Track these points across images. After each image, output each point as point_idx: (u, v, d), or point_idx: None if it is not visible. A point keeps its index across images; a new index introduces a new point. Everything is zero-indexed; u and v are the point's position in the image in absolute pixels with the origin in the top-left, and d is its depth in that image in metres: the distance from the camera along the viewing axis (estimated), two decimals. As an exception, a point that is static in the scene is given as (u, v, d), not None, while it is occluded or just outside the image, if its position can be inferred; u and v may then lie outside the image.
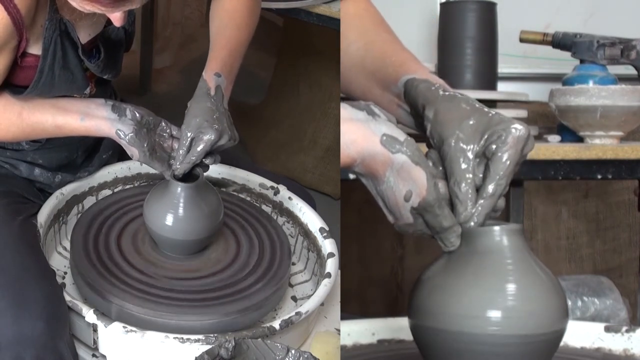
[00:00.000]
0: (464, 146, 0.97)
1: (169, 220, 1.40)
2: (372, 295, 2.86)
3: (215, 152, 1.39)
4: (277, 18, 3.09)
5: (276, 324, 1.30)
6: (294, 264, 1.58)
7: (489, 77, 2.29)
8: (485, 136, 0.97)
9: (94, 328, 1.30)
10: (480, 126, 0.97)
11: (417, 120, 1.07)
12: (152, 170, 1.54)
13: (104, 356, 1.33)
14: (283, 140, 3.02)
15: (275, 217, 1.62)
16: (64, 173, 1.56)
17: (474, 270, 0.92)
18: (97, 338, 1.31)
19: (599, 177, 1.98)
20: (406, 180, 0.94)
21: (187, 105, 1.39)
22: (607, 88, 1.97)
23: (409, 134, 0.96)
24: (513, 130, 0.96)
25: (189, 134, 1.36)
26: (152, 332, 1.27)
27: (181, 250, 1.44)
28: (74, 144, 1.54)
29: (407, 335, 1.04)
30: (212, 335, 1.27)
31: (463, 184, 0.96)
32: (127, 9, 1.22)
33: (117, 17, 1.25)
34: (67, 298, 1.32)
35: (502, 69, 2.41)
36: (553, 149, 1.95)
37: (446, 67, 2.29)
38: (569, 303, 1.68)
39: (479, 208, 0.95)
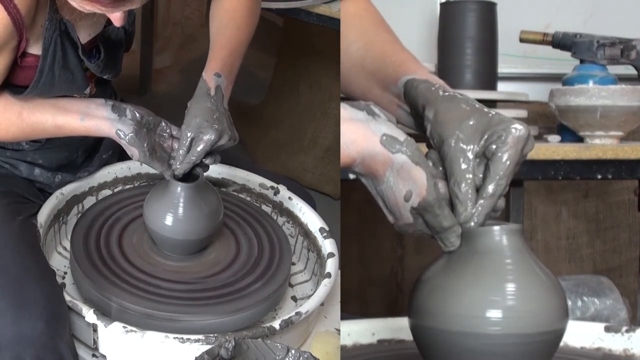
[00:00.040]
0: (464, 146, 0.97)
1: (169, 220, 1.40)
2: (372, 295, 2.86)
3: (215, 152, 1.39)
4: (277, 18, 3.09)
5: (276, 324, 1.30)
6: (294, 264, 1.58)
7: (489, 77, 2.29)
8: (485, 136, 0.97)
9: (94, 328, 1.30)
10: (480, 126, 0.97)
11: (417, 121, 1.07)
12: (152, 170, 1.54)
13: (104, 356, 1.33)
14: (283, 140, 3.02)
15: (275, 217, 1.62)
16: (64, 173, 1.56)
17: (474, 270, 0.92)
18: (97, 338, 1.31)
19: (599, 177, 1.98)
20: (406, 180, 0.94)
21: (187, 105, 1.39)
22: (607, 88, 1.97)
23: (409, 134, 0.96)
24: (513, 131, 0.96)
25: (189, 134, 1.36)
26: (152, 332, 1.27)
27: (181, 250, 1.44)
28: (74, 144, 1.54)
29: (407, 335, 1.04)
30: (212, 335, 1.27)
31: (463, 184, 0.96)
32: (127, 9, 1.22)
33: (117, 17, 1.25)
34: (67, 298, 1.32)
35: (502, 69, 2.41)
36: (553, 149, 1.95)
37: (446, 67, 2.28)
38: (569, 303, 1.68)
39: (479, 208, 0.95)
